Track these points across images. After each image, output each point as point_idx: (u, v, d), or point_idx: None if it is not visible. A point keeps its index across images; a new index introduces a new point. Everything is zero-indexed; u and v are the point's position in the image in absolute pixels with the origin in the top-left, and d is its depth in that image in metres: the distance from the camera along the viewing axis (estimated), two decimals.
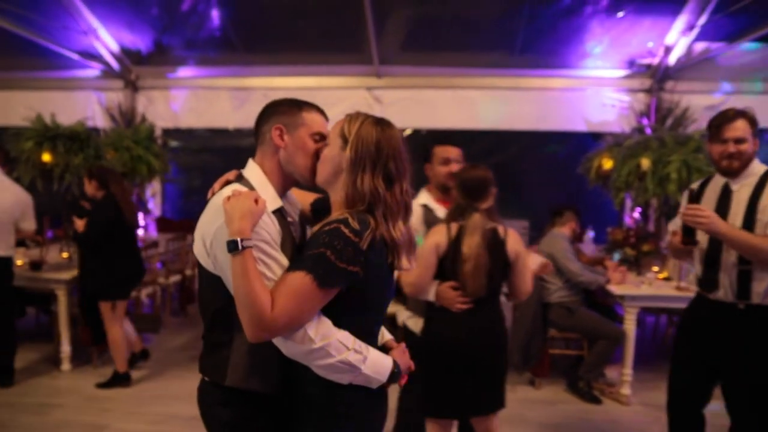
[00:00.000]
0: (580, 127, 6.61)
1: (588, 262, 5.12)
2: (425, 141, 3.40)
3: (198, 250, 1.67)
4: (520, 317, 4.70)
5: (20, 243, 4.95)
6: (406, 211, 1.68)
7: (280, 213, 1.69)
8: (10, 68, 7.00)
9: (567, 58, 6.34)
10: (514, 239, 2.75)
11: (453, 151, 3.11)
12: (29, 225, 4.74)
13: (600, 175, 5.81)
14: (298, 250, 1.71)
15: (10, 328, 4.65)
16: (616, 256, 5.37)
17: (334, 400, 1.62)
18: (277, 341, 1.56)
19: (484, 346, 2.73)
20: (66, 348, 4.85)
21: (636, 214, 6.32)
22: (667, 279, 4.76)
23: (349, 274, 1.53)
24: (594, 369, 4.52)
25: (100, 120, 7.02)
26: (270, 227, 1.61)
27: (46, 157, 5.19)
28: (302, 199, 1.93)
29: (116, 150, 6.20)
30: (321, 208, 1.86)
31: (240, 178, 1.73)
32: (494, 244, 2.68)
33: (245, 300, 1.49)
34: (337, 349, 1.55)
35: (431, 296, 2.77)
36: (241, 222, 1.51)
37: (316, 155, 1.73)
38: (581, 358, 4.72)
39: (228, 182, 1.74)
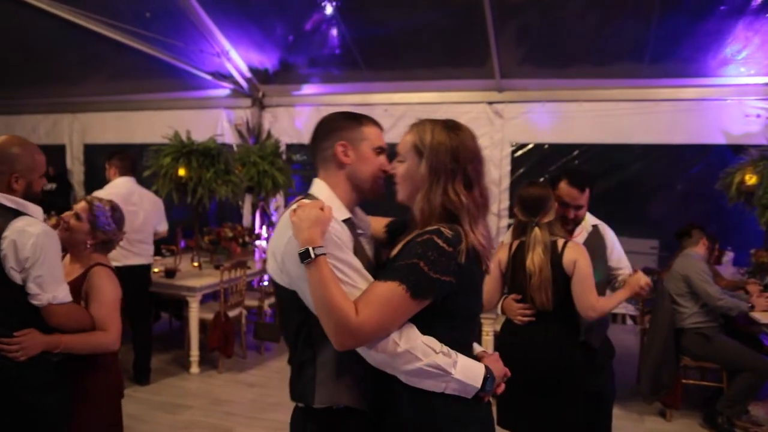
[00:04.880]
0: (718, 139, 6.08)
1: (727, 286, 4.68)
2: (556, 171, 3.21)
3: (271, 268, 1.69)
4: (649, 343, 4.38)
5: (156, 252, 5.29)
6: (486, 210, 1.67)
7: (349, 224, 1.68)
8: (154, 90, 7.59)
9: (703, 66, 5.88)
10: (572, 250, 2.71)
11: (577, 197, 2.95)
12: (163, 227, 5.08)
13: (742, 192, 5.33)
14: (375, 268, 1.70)
15: (148, 331, 4.99)
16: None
17: (430, 415, 1.57)
18: (361, 350, 1.53)
19: (542, 359, 2.72)
20: (195, 352, 5.11)
21: None
22: None
23: (443, 284, 1.51)
24: (736, 404, 4.11)
25: (229, 136, 7.40)
26: (340, 233, 1.58)
27: (182, 172, 5.51)
28: (376, 224, 1.92)
29: (244, 165, 6.50)
30: (396, 230, 1.87)
31: (307, 197, 1.73)
32: (552, 257, 2.69)
33: (326, 308, 1.47)
34: (423, 353, 1.50)
35: (498, 309, 2.93)
36: (309, 230, 1.50)
37: (381, 169, 1.75)
38: (720, 390, 4.32)
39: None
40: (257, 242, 6.85)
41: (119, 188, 4.76)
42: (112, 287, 2.50)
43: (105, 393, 2.52)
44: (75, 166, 8.40)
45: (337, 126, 1.75)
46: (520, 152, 6.70)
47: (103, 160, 5.06)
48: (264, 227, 7.26)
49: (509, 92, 6.53)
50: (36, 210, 2.32)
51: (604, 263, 3.07)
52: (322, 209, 1.55)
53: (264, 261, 5.95)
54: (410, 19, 5.99)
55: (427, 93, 6.77)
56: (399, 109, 6.51)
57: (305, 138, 7.29)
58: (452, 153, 1.59)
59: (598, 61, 6.18)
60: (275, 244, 1.64)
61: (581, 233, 3.09)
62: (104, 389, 2.52)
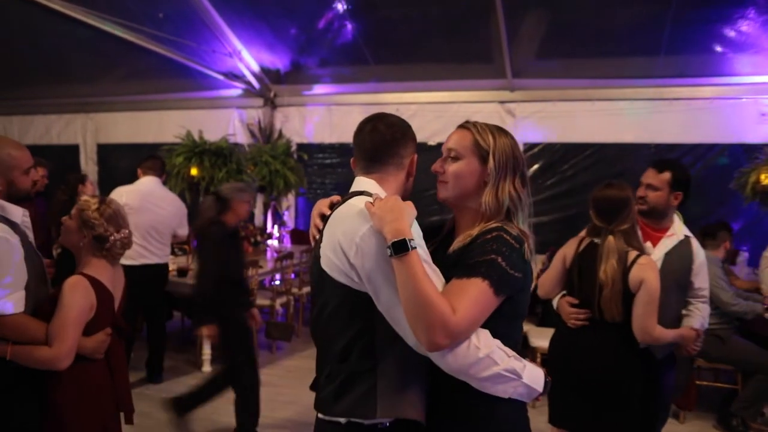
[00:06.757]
0: (733, 138, 6.03)
1: (742, 287, 4.64)
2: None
3: (332, 265, 1.54)
4: None
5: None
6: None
7: None
8: (166, 90, 7.65)
9: (718, 64, 5.84)
10: (640, 268, 2.50)
11: (651, 177, 2.81)
12: (184, 231, 5.09)
13: (757, 191, 5.28)
14: None
15: (163, 330, 5.01)
16: None
17: (490, 420, 1.54)
18: (438, 356, 1.42)
19: (598, 365, 2.61)
20: (206, 351, 5.13)
21: None
22: None
23: (516, 280, 1.50)
24: (751, 406, 4.07)
25: (241, 136, 7.44)
26: (418, 228, 1.53)
27: (194, 171, 5.54)
28: None
29: (255, 165, 6.53)
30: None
31: (359, 194, 1.65)
32: (621, 270, 2.53)
33: (421, 305, 1.36)
34: (500, 357, 1.45)
35: (555, 304, 2.82)
36: (399, 222, 1.40)
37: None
38: (734, 392, 4.28)
39: (332, 203, 1.70)
40: (269, 241, 6.87)
41: (139, 186, 4.83)
42: (78, 301, 2.21)
43: (82, 408, 2.27)
44: (89, 166, 8.45)
45: (413, 137, 1.76)
46: (531, 152, 6.66)
47: (116, 159, 5.12)
48: (275, 227, 7.28)
49: (521, 91, 6.52)
50: (14, 211, 2.21)
51: (685, 277, 2.82)
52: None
53: (275, 260, 5.96)
54: (421, 20, 5.99)
55: (439, 92, 6.78)
56: (410, 108, 6.51)
57: (316, 138, 7.39)
58: (512, 153, 1.66)
59: (611, 60, 6.15)
60: (343, 238, 1.51)
61: (672, 236, 2.84)
62: (79, 405, 2.26)
